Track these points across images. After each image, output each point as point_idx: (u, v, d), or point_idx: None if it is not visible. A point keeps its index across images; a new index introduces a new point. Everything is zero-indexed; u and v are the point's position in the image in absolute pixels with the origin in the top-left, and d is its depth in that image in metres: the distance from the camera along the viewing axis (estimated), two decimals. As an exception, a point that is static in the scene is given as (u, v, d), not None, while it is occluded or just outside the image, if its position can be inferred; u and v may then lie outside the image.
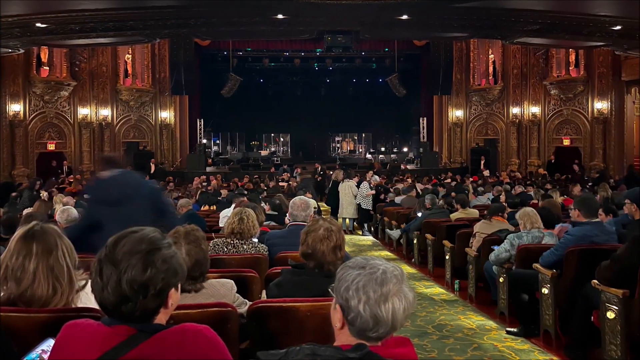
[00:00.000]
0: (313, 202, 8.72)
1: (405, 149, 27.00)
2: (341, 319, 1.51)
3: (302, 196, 4.38)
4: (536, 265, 4.87)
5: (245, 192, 9.85)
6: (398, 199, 11.56)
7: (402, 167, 21.50)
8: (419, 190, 12.06)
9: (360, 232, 12.74)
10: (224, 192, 11.55)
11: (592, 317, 4.20)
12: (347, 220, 12.79)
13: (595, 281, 4.05)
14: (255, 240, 4.03)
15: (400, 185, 13.12)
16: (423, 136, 22.76)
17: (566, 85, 20.20)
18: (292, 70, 25.59)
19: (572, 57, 20.01)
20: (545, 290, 4.75)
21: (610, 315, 3.89)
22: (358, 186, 12.81)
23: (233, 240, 3.93)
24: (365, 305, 1.46)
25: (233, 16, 11.37)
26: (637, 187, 6.93)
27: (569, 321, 4.54)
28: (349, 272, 1.52)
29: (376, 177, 15.81)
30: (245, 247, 3.90)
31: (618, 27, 12.10)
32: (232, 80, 21.63)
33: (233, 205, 5.67)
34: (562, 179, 16.80)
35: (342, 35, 14.51)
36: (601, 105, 19.50)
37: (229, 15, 11.17)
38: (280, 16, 11.43)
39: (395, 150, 27.32)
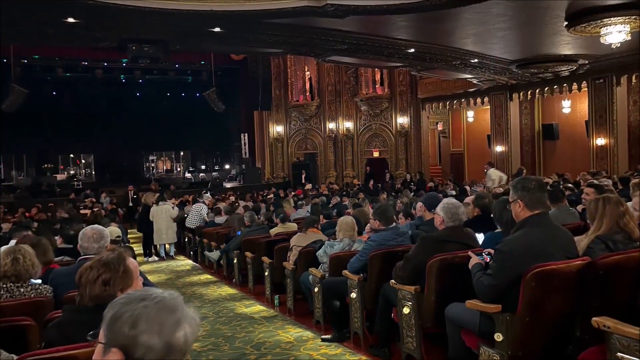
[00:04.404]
0: (116, 231, 8.21)
1: (227, 166, 26.85)
2: None
3: (97, 225, 4.01)
4: (345, 272, 5.13)
5: (35, 224, 8.85)
6: (219, 219, 11.42)
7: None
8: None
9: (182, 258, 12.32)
10: (5, 225, 9.90)
11: (392, 314, 4.54)
12: (167, 245, 12.30)
13: (392, 281, 4.39)
14: (37, 281, 3.57)
15: (221, 205, 12.97)
16: (245, 152, 22.97)
17: (374, 102, 22.00)
18: (93, 82, 22.71)
19: (378, 76, 21.90)
20: (353, 295, 5.03)
21: (405, 310, 4.23)
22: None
23: (6, 284, 3.43)
24: (159, 336, 1.34)
25: (11, 16, 9.53)
26: (428, 191, 7.69)
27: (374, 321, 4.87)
28: (131, 307, 1.37)
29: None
30: (22, 290, 3.44)
31: (412, 50, 13.45)
32: (14, 92, 17.95)
33: (13, 241, 5.04)
34: (371, 187, 18.15)
35: (150, 44, 12.77)
36: (402, 120, 21.64)
37: (5, 15, 9.47)
38: (71, 20, 10.05)
39: (216, 167, 26.93)
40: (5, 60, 18.49)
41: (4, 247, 3.78)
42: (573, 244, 3.45)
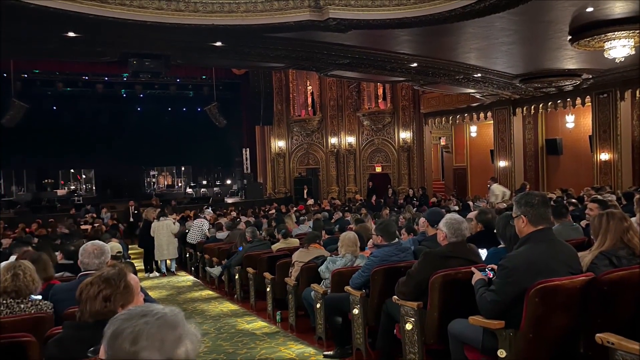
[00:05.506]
0: (116, 246, 8.19)
1: (228, 181, 26.80)
2: None
3: (98, 241, 3.99)
4: (347, 288, 5.09)
5: (35, 240, 8.82)
6: (220, 235, 11.39)
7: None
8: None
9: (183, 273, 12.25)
10: (6, 241, 9.83)
11: (394, 330, 4.49)
12: (168, 261, 12.26)
13: (395, 297, 4.35)
14: (37, 297, 3.54)
15: (223, 220, 12.93)
16: (246, 167, 22.96)
17: (376, 117, 22.03)
18: (94, 97, 22.68)
19: (380, 91, 21.94)
20: (355, 311, 4.98)
21: (408, 326, 4.19)
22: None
23: (6, 300, 3.41)
24: (160, 353, 1.32)
25: (11, 30, 9.55)
26: (431, 206, 7.65)
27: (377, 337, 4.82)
28: (131, 323, 1.36)
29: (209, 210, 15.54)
30: (22, 306, 3.42)
31: (414, 64, 13.51)
32: (14, 107, 17.98)
33: (14, 257, 5.00)
34: (374, 203, 18.09)
35: (151, 59, 12.72)
36: (405, 135, 21.64)
37: (5, 29, 9.25)
38: (71, 34, 10.07)
39: (217, 182, 26.85)
40: (5, 75, 18.40)
41: (4, 263, 3.76)
42: (577, 259, 3.41)
